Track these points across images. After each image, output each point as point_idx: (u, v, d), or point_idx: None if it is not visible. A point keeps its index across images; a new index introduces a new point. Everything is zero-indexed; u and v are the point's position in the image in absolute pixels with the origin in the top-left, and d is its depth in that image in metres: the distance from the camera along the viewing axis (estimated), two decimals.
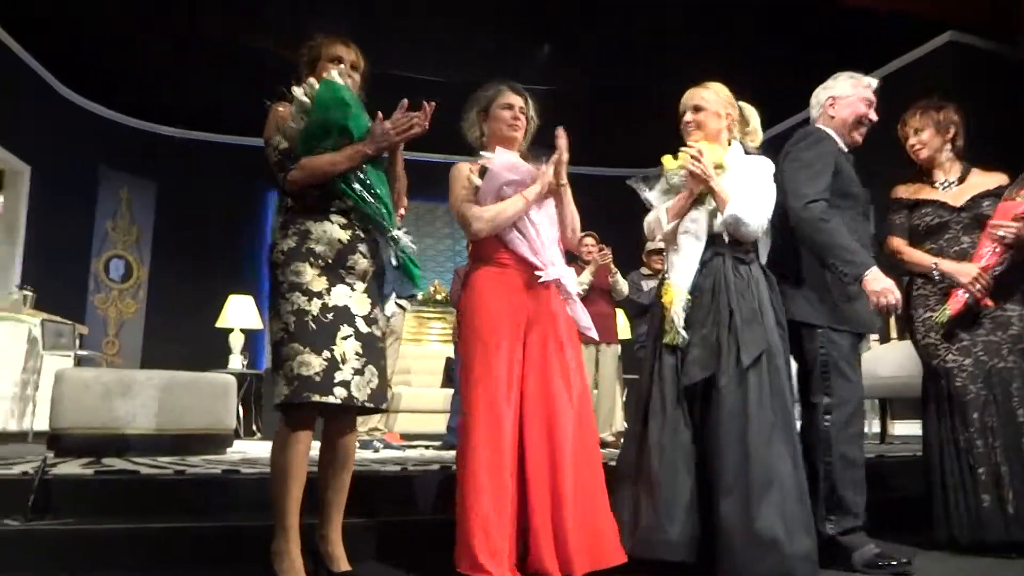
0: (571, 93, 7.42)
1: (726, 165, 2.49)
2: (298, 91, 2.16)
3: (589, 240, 5.60)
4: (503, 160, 2.40)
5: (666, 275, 2.53)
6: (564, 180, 2.43)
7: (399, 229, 2.20)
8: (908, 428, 6.21)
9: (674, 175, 2.56)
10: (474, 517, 2.15)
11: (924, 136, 2.90)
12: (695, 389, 2.36)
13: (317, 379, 2.03)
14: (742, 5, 6.18)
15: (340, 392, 2.05)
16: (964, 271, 2.69)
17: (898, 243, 2.89)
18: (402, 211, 2.35)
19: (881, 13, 5.88)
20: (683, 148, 2.52)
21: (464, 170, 2.46)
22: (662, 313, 2.47)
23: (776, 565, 2.11)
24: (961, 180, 2.89)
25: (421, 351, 7.92)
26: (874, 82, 2.75)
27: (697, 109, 2.57)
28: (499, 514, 2.16)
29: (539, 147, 2.52)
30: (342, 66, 2.25)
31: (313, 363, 2.04)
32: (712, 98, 2.57)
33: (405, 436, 5.64)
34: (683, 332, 2.39)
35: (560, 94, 7.33)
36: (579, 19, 6.51)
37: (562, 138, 2.38)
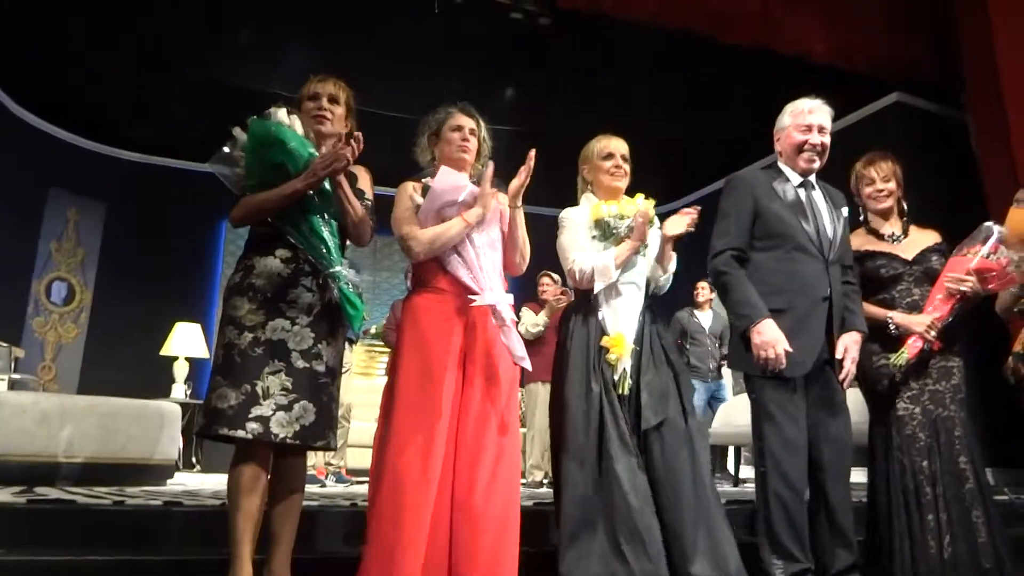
0: (534, 135, 7.55)
1: (654, 219, 2.63)
2: (237, 131, 2.18)
3: (546, 280, 5.65)
4: (445, 180, 2.36)
5: (603, 324, 2.51)
6: (519, 203, 2.40)
7: (342, 265, 2.17)
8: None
9: (620, 223, 2.58)
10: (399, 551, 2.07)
11: (891, 184, 2.97)
12: (640, 434, 2.39)
13: (230, 412, 2.02)
14: (696, 58, 6.38)
15: (254, 427, 2.02)
16: (918, 322, 2.76)
17: None
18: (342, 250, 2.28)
19: (831, 70, 6.15)
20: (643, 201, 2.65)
21: (407, 189, 2.43)
22: (602, 362, 2.47)
23: None
24: (905, 234, 2.99)
25: (371, 385, 7.80)
26: (812, 104, 2.74)
27: (625, 159, 2.69)
28: (415, 548, 2.08)
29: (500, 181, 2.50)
30: (310, 103, 2.31)
31: (230, 396, 2.04)
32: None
33: (353, 472, 5.52)
34: (630, 381, 2.43)
35: (523, 135, 7.48)
36: (543, 65, 6.63)
37: (530, 160, 2.36)
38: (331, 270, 2.15)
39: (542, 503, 2.93)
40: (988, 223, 2.89)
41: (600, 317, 2.51)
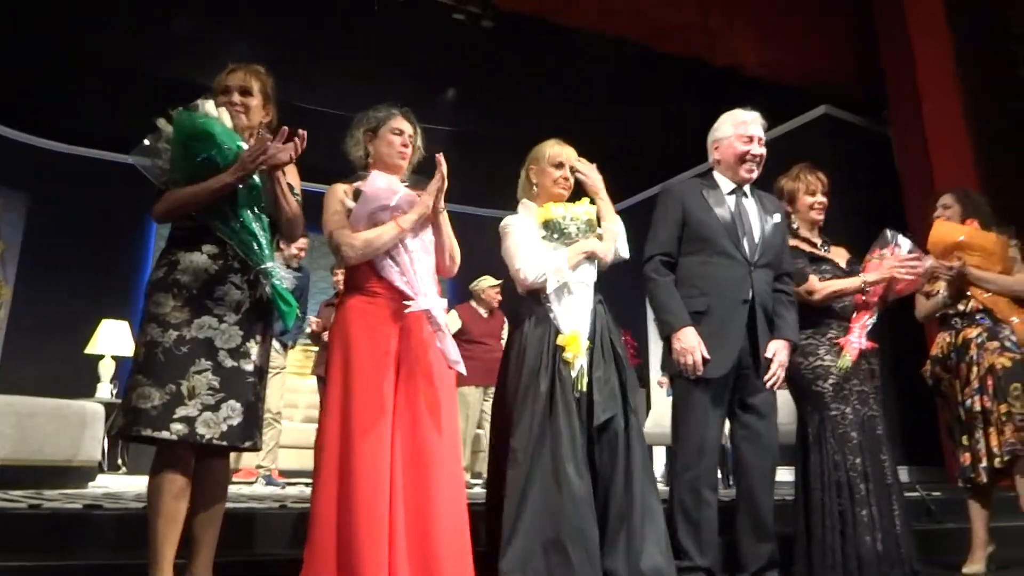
0: (475, 136, 7.57)
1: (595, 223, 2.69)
2: (161, 122, 2.12)
3: (494, 291, 5.74)
4: (380, 183, 2.33)
5: (557, 323, 2.53)
6: (441, 207, 2.39)
7: (273, 263, 2.13)
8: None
9: (571, 224, 2.62)
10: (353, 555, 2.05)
11: (826, 199, 3.09)
12: (589, 431, 2.43)
13: (153, 413, 1.97)
14: (635, 66, 6.49)
15: (178, 428, 1.98)
16: (886, 268, 2.94)
17: (817, 282, 2.96)
18: (300, 246, 2.28)
19: (763, 83, 6.35)
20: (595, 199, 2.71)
21: (338, 192, 2.40)
22: (558, 361, 2.48)
23: None
24: (826, 245, 3.11)
25: (306, 385, 7.68)
26: (752, 116, 2.84)
27: (572, 170, 2.72)
28: (374, 550, 2.06)
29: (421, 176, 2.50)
30: (223, 97, 2.23)
31: (153, 396, 1.98)
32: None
33: (286, 473, 5.44)
34: (585, 378, 2.46)
35: (461, 136, 7.49)
36: (486, 67, 6.65)
37: (442, 164, 2.34)
38: (262, 266, 2.11)
39: (474, 503, 2.94)
40: (889, 230, 3.05)
41: (553, 317, 2.54)
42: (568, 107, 6.79)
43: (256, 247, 2.11)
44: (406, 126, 2.47)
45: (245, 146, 2.12)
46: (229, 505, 2.31)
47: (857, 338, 2.91)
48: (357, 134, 2.49)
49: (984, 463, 3.02)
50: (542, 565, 2.27)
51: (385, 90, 2.70)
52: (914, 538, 2.83)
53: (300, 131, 2.14)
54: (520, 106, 6.95)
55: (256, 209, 2.15)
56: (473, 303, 5.91)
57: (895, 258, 2.97)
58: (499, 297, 5.83)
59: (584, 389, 2.44)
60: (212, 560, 2.13)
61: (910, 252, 3.03)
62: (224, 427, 2.04)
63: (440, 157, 2.35)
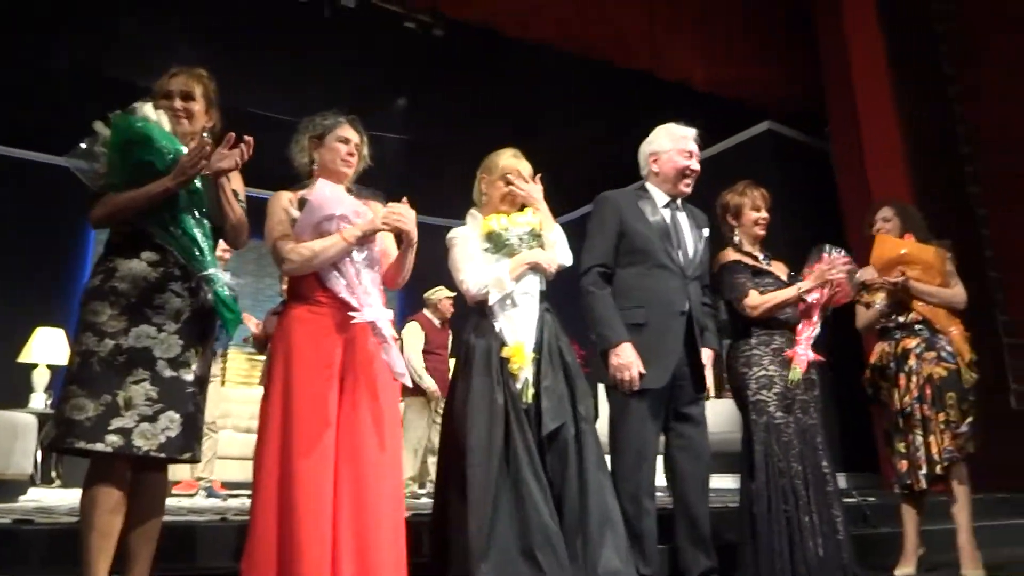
0: (424, 145, 7.55)
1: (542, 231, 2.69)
2: (98, 125, 2.07)
3: (448, 302, 5.74)
4: (326, 193, 2.29)
5: (502, 335, 2.53)
6: (413, 241, 2.32)
7: (216, 269, 2.08)
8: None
9: (512, 236, 2.62)
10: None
11: (768, 215, 3.17)
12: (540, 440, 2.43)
13: (87, 424, 1.92)
14: (586, 79, 6.57)
15: (114, 440, 1.93)
16: (818, 274, 3.00)
17: (758, 297, 3.02)
18: (225, 254, 2.21)
19: (708, 96, 6.50)
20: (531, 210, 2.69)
21: (283, 200, 2.35)
22: (506, 372, 2.47)
23: None
24: (767, 259, 3.19)
25: (250, 395, 7.54)
26: (691, 132, 2.90)
27: (507, 182, 2.70)
28: (316, 565, 2.03)
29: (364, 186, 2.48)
30: (164, 101, 2.18)
31: (87, 407, 1.93)
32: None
33: (228, 485, 5.32)
34: (532, 389, 2.46)
35: (413, 145, 7.47)
36: (437, 76, 6.65)
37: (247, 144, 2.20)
38: (204, 272, 2.06)
39: (419, 514, 2.92)
40: (825, 245, 3.15)
41: (498, 329, 2.53)
42: (519, 118, 6.83)
43: (197, 253, 2.06)
44: (352, 134, 2.44)
45: (186, 151, 2.08)
46: (168, 518, 2.26)
47: (804, 350, 2.99)
48: (302, 140, 2.46)
49: (924, 469, 3.11)
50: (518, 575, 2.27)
51: (335, 97, 2.67)
52: (852, 544, 2.91)
53: (246, 137, 2.10)
54: (471, 116, 6.96)
55: (198, 214, 2.10)
56: (427, 312, 5.89)
57: (826, 263, 3.05)
58: (452, 309, 5.83)
59: (531, 400, 2.44)
60: (148, 575, 2.07)
61: (842, 257, 3.12)
62: (162, 438, 1.99)
63: (405, 200, 2.31)
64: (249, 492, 4.95)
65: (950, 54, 6.52)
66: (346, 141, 2.42)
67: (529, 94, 6.79)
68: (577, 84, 6.66)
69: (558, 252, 2.69)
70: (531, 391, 2.45)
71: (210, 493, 4.81)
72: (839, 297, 3.13)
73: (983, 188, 6.25)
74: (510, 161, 2.72)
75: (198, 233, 2.08)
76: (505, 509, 2.33)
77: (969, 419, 3.14)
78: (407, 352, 5.58)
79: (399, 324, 8.89)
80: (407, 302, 8.63)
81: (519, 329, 2.53)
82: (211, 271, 2.07)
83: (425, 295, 5.93)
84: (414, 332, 5.69)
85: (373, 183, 2.54)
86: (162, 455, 2.00)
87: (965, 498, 3.17)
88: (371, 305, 2.26)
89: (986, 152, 6.26)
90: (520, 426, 2.40)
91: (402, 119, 7.24)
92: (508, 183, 2.69)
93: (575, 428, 2.48)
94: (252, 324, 5.10)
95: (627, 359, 2.62)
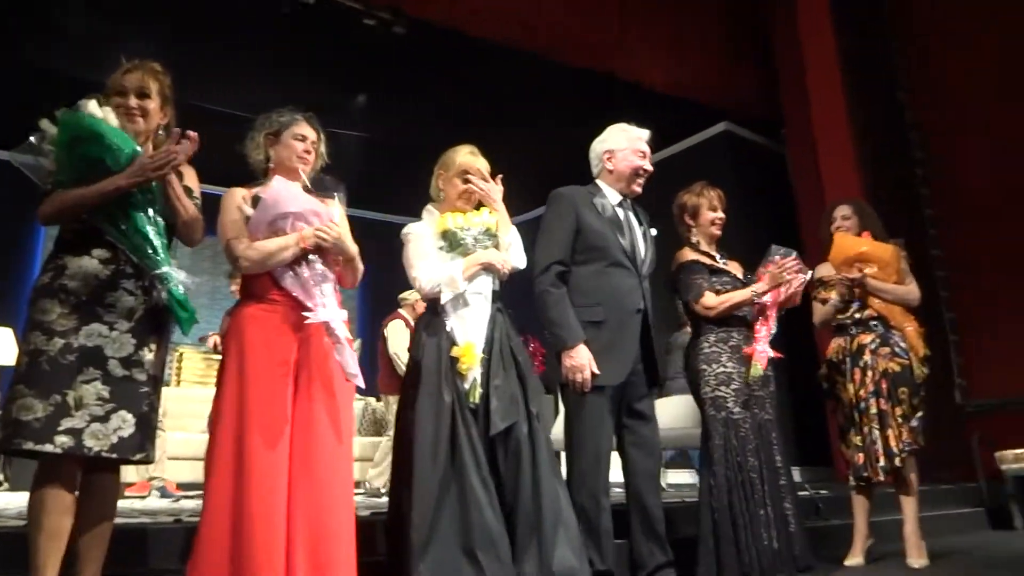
0: (385, 142, 7.51)
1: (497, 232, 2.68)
2: (45, 123, 2.02)
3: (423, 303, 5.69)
4: (281, 191, 2.25)
5: (452, 335, 2.51)
6: (353, 252, 2.33)
7: (169, 267, 2.04)
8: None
9: (467, 235, 2.60)
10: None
11: (724, 215, 3.22)
12: (489, 439, 2.43)
13: (36, 425, 1.87)
14: (541, 78, 6.59)
15: (64, 440, 1.88)
16: (772, 276, 3.03)
17: (714, 298, 3.06)
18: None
19: (667, 98, 6.58)
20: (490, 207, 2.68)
21: (236, 197, 2.30)
22: (454, 371, 2.46)
23: None
24: (724, 259, 3.25)
25: (207, 395, 7.42)
26: (645, 133, 2.93)
27: (465, 180, 2.69)
28: (271, 565, 1.99)
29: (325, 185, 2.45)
30: (118, 98, 2.13)
31: (36, 407, 1.88)
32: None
33: (183, 486, 5.23)
34: (480, 389, 2.45)
35: (372, 143, 7.42)
36: (397, 74, 6.61)
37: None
38: (158, 271, 2.02)
39: (378, 513, 2.92)
40: (774, 246, 3.21)
41: (449, 328, 2.52)
42: (480, 116, 6.83)
43: (150, 251, 2.02)
44: (309, 132, 2.41)
45: (141, 149, 2.04)
46: (120, 520, 2.22)
47: (763, 348, 3.04)
48: (258, 137, 2.42)
49: (882, 462, 3.18)
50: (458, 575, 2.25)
51: (293, 93, 2.64)
52: (806, 536, 2.98)
53: (190, 133, 2.05)
54: (432, 114, 6.95)
55: (151, 212, 2.06)
56: (403, 311, 5.86)
57: (777, 265, 3.11)
58: None
59: (477, 400, 2.43)
60: None
61: (793, 260, 3.18)
62: (114, 439, 1.95)
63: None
64: (192, 493, 4.88)
65: (902, 61, 6.71)
66: (303, 138, 2.38)
67: (489, 93, 6.79)
68: (537, 84, 6.68)
69: (512, 254, 2.68)
70: (479, 391, 2.43)
71: (163, 494, 4.73)
72: (794, 298, 3.18)
73: (932, 190, 6.44)
74: (467, 158, 2.70)
75: (151, 231, 2.03)
76: (449, 508, 2.32)
77: (919, 413, 3.25)
78: (393, 349, 5.57)
79: (360, 324, 8.88)
80: (370, 304, 8.60)
81: (470, 329, 2.52)
82: (164, 269, 2.02)
83: (400, 296, 5.91)
84: (400, 330, 5.67)
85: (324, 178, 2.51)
86: (114, 456, 1.96)
87: (914, 490, 3.28)
88: (325, 305, 2.23)
89: (936, 157, 6.46)
90: (467, 426, 2.39)
91: (361, 117, 7.18)
92: (467, 181, 2.67)
93: (528, 427, 2.47)
94: (211, 342, 5.02)
95: (581, 360, 2.64)
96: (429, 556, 2.26)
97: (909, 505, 3.28)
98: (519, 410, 2.47)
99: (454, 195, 2.69)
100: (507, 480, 2.41)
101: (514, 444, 2.43)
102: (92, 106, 2.03)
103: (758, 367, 3.00)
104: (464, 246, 2.59)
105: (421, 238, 2.64)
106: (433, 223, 2.67)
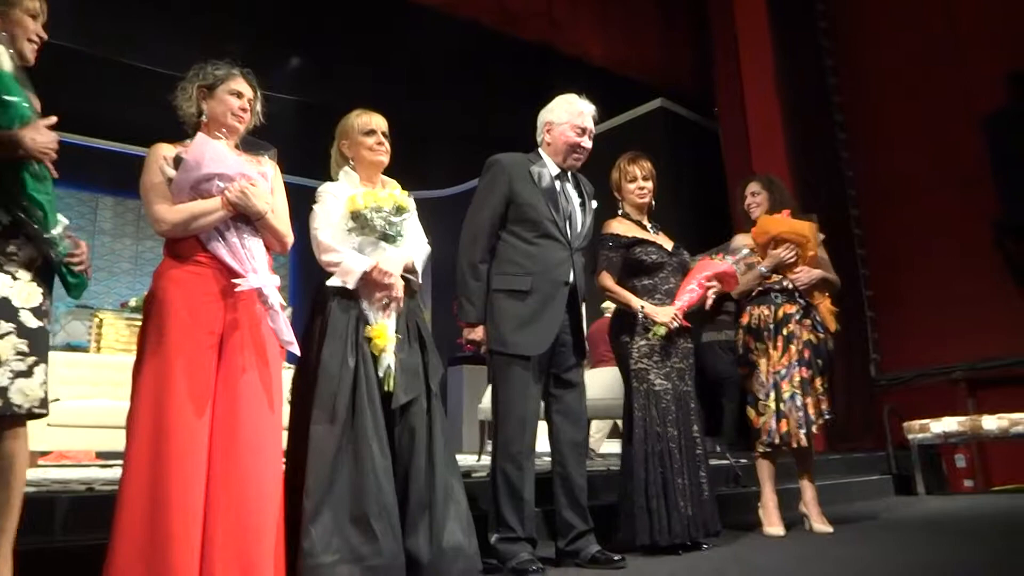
0: (318, 106, 7.32)
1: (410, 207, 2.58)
2: None
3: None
4: (205, 150, 2.12)
5: (367, 314, 2.41)
6: (263, 209, 2.20)
7: (58, 230, 1.92)
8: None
9: (377, 218, 2.46)
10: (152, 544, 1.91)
11: (650, 183, 3.23)
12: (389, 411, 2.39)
13: None
14: (485, 49, 6.53)
15: None
16: (663, 313, 3.02)
17: (610, 281, 3.11)
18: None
19: (604, 72, 6.61)
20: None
21: (158, 156, 2.16)
22: (360, 339, 2.39)
23: (465, 565, 2.33)
24: (656, 229, 3.29)
25: (130, 362, 7.17)
26: (587, 108, 2.90)
27: (385, 136, 2.61)
28: (186, 541, 1.93)
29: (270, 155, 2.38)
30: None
31: None
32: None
33: (103, 455, 5.07)
34: (393, 374, 2.38)
35: (306, 106, 7.24)
36: (333, 37, 6.46)
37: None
38: (47, 235, 1.90)
39: None
40: (736, 236, 3.27)
41: (363, 307, 2.43)
42: (414, 85, 6.74)
43: (41, 215, 1.90)
44: (246, 88, 2.30)
45: (31, 113, 1.88)
46: (30, 489, 2.12)
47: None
48: (190, 89, 2.27)
49: (804, 428, 3.28)
50: (348, 543, 2.20)
51: (222, 53, 2.52)
52: (716, 503, 3.08)
53: (52, 118, 1.89)
54: (366, 79, 6.81)
55: (36, 167, 1.90)
56: None
57: (707, 266, 3.17)
58: None
59: (391, 388, 2.37)
60: (11, 548, 1.93)
61: (735, 262, 3.26)
62: (42, 393, 1.85)
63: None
64: (113, 463, 4.71)
65: (831, 43, 6.90)
66: (239, 95, 2.26)
67: (426, 60, 6.70)
68: (475, 53, 6.62)
69: (413, 250, 2.58)
70: (392, 379, 2.37)
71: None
72: (729, 286, 3.26)
73: (855, 172, 6.69)
74: (365, 117, 2.60)
75: (41, 197, 1.90)
76: (344, 475, 2.27)
77: (826, 385, 3.41)
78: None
79: (292, 292, 8.67)
80: (302, 272, 8.45)
81: (380, 312, 2.43)
82: (55, 232, 1.92)
83: None
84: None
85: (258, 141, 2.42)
86: (44, 412, 1.86)
87: (813, 459, 3.45)
88: (256, 271, 2.14)
89: (860, 138, 6.70)
90: (371, 396, 2.34)
91: (293, 79, 7.00)
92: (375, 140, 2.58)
93: (427, 402, 2.46)
94: None
95: (478, 336, 2.75)
96: (319, 522, 2.21)
97: (810, 472, 3.44)
98: (421, 384, 2.45)
99: (366, 153, 2.58)
100: (401, 453, 2.38)
101: (412, 419, 2.41)
102: None
103: (662, 328, 3.00)
104: (373, 229, 2.47)
105: (332, 202, 2.51)
106: (345, 192, 2.53)
